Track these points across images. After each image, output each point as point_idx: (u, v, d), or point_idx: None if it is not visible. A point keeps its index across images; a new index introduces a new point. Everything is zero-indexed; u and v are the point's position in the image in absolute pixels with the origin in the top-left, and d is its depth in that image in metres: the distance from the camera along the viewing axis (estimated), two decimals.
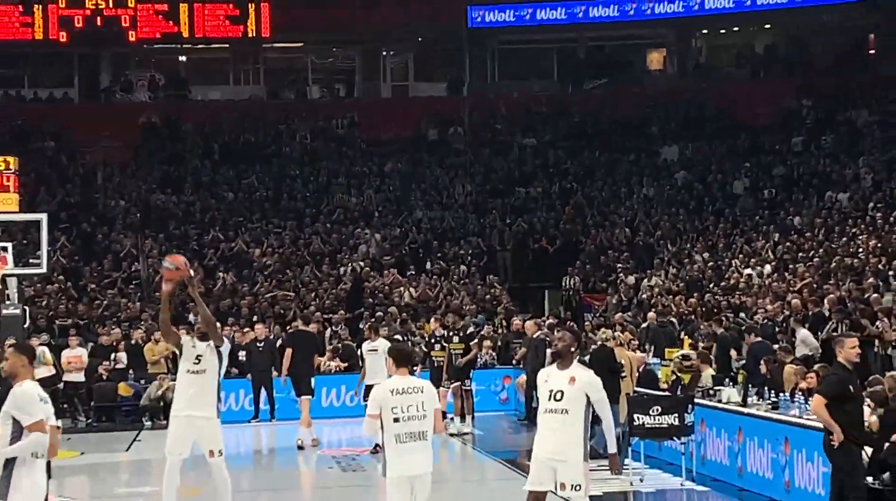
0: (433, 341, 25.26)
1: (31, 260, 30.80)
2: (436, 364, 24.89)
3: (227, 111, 47.64)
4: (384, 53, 51.27)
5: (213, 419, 13.87)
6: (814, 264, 31.50)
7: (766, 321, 27.36)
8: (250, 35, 47.37)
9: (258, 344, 28.32)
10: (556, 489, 11.53)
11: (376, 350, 22.51)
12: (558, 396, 11.55)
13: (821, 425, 13.16)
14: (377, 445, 14.66)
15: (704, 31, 51.05)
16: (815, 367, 18.35)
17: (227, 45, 49.10)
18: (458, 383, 24.83)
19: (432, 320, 27.17)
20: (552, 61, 51.34)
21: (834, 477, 13.17)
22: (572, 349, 11.85)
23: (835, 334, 21.59)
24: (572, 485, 11.41)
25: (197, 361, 13.94)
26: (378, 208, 42.35)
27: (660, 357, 25.48)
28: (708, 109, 47.43)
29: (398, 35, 50.02)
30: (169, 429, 14.37)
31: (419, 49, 51.24)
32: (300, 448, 22.89)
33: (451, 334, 24.98)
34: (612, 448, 11.78)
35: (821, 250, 32.61)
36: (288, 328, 30.11)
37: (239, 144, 46.15)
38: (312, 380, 24.14)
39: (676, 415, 17.26)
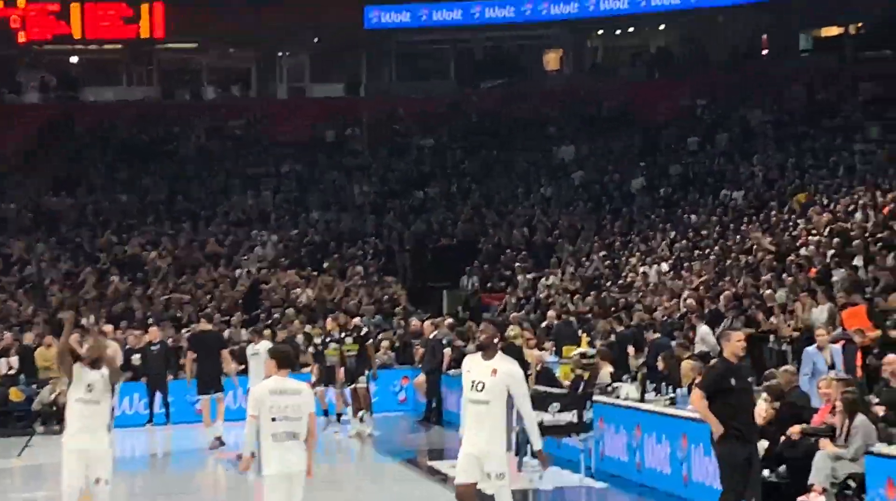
0: (328, 340, 25.14)
1: None
2: (328, 364, 24.83)
3: (122, 112, 47.04)
4: (280, 54, 50.92)
5: (106, 449, 13.54)
6: (710, 262, 31.67)
7: (665, 318, 27.48)
8: (143, 36, 46.83)
9: (152, 348, 27.95)
10: (482, 479, 11.48)
11: (258, 354, 22.57)
12: (479, 386, 11.59)
13: None
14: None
15: (600, 32, 51.29)
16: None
17: (120, 46, 48.45)
18: (353, 384, 24.68)
19: (329, 319, 26.94)
20: (449, 62, 51.31)
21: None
22: (495, 340, 11.87)
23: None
24: (496, 474, 11.44)
25: (89, 389, 13.55)
26: (275, 210, 42.03)
27: (559, 355, 25.47)
28: (604, 108, 47.62)
29: (294, 36, 49.69)
30: (63, 463, 13.95)
31: (316, 50, 50.94)
32: (222, 443, 22.79)
33: (344, 335, 24.85)
34: (538, 445, 11.78)
35: (716, 248, 32.81)
36: (185, 330, 29.81)
37: (133, 146, 45.57)
38: (222, 378, 24.03)
39: (575, 412, 17.21)
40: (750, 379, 14.98)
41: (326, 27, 48.72)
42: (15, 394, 28.43)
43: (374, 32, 49.10)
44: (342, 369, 24.66)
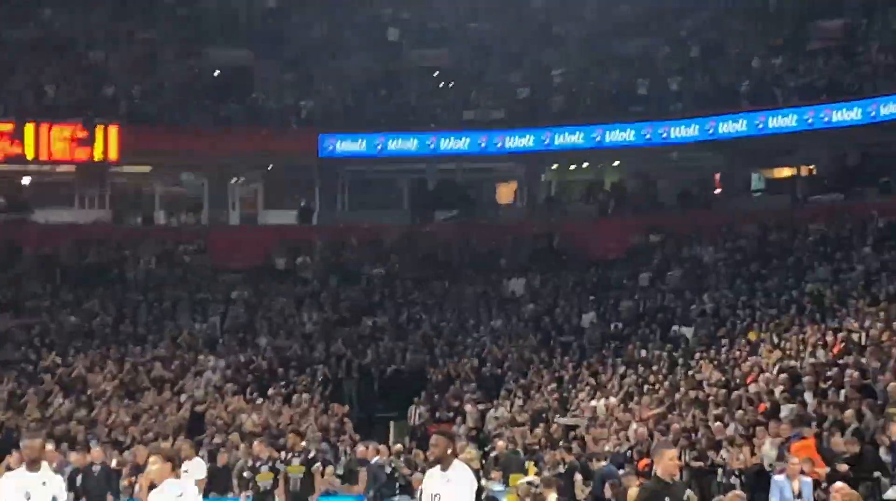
0: (259, 464, 24.85)
1: None
2: (260, 489, 24.48)
3: (71, 235, 46.67)
4: (233, 180, 50.85)
5: None
6: (659, 396, 31.53)
7: (615, 449, 27.27)
8: (97, 158, 46.66)
9: (93, 468, 27.44)
10: None
11: (187, 472, 22.41)
12: (437, 498, 11.63)
13: None
14: None
15: (554, 167, 51.53)
16: None
17: (73, 168, 48.26)
18: None
19: (255, 443, 26.65)
20: (403, 192, 51.38)
21: None
22: (448, 452, 11.84)
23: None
24: None
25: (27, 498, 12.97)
26: (223, 335, 41.67)
27: (506, 485, 25.19)
28: (556, 242, 47.67)
29: (248, 162, 49.71)
30: None
31: (269, 177, 50.93)
32: None
33: (290, 456, 24.53)
34: None
35: (666, 383, 32.68)
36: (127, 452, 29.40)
37: (81, 268, 45.19)
38: None
39: None
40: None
41: (280, 154, 48.74)
42: None
43: (328, 161, 49.12)
44: (285, 492, 24.26)
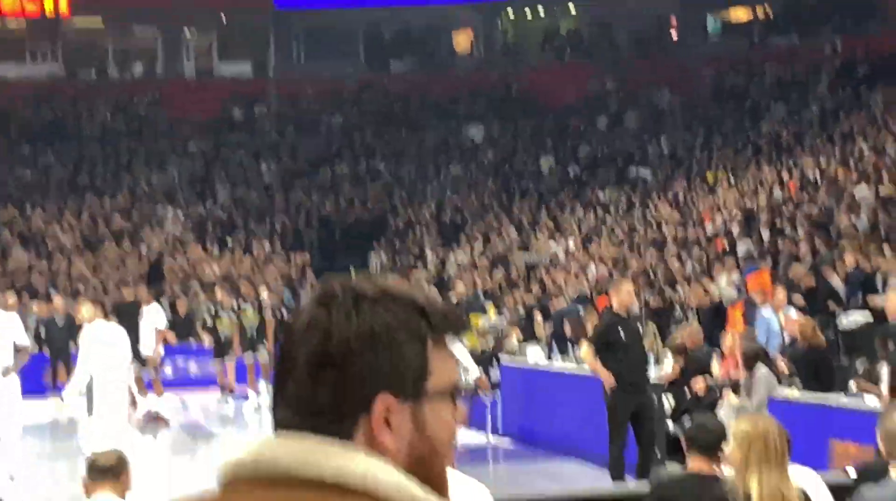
0: (219, 311, 25.02)
1: None
2: (221, 338, 24.71)
3: (24, 90, 46.21)
4: (187, 33, 50.34)
5: None
6: (618, 237, 31.80)
7: (576, 290, 27.51)
8: (48, 13, 46.06)
9: (56, 319, 27.63)
10: None
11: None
12: None
13: None
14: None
15: (510, 13, 51.22)
16: None
17: (24, 23, 47.66)
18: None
19: (217, 289, 26.86)
20: (358, 43, 51.00)
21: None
22: None
23: None
24: None
25: None
26: (181, 187, 41.61)
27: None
28: (514, 90, 47.59)
29: (201, 14, 49.18)
30: None
31: (223, 29, 50.45)
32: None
33: (244, 304, 24.67)
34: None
35: (624, 224, 32.95)
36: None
37: (36, 123, 44.87)
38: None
39: (481, 369, 17.13)
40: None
41: (234, 6, 48.24)
42: None
43: (282, 13, 48.67)
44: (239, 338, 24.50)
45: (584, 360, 13.16)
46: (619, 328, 12.80)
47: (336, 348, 2.09)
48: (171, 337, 25.69)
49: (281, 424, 2.12)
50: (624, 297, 12.85)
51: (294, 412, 2.11)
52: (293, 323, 2.16)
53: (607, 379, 12.48)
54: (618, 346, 12.67)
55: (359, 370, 2.09)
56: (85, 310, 16.18)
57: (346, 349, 2.09)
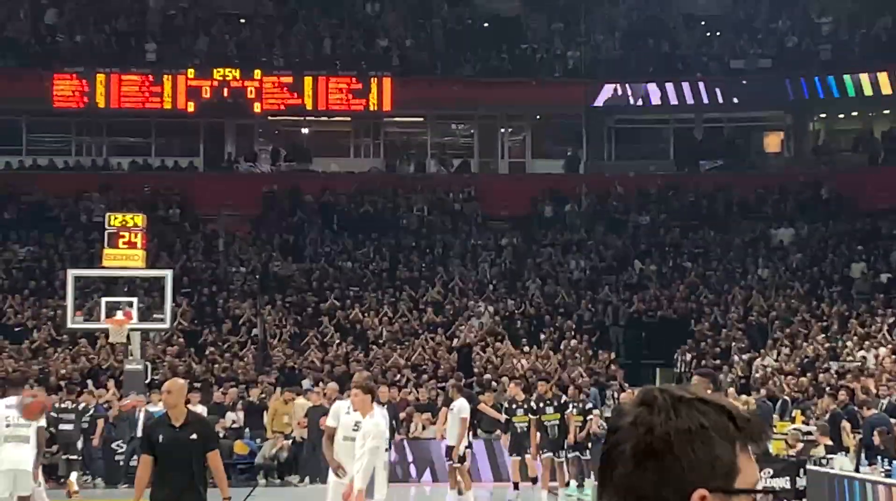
0: (514, 406, 25.30)
1: (155, 316, 31.58)
2: (518, 430, 24.98)
3: (347, 183, 48.36)
4: (502, 130, 51.87)
5: None
6: None
7: (885, 399, 27.27)
8: (372, 109, 48.15)
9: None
10: None
11: (452, 410, 23.34)
12: None
13: None
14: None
15: (822, 115, 51.03)
16: None
17: (349, 119, 49.99)
18: (551, 454, 24.75)
19: (511, 384, 27.37)
20: (669, 141, 51.55)
21: None
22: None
23: None
24: None
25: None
26: (492, 282, 42.72)
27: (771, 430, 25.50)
28: (824, 192, 47.31)
29: (516, 112, 50.62)
30: None
31: (537, 127, 51.76)
32: None
33: (543, 404, 24.88)
34: None
35: None
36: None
37: (357, 215, 46.84)
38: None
39: (788, 479, 17.35)
40: None
41: (548, 104, 49.44)
42: (240, 447, 29.55)
43: (595, 110, 49.64)
44: (538, 437, 24.67)
45: None
46: None
47: (658, 442, 2.43)
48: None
49: None
50: None
51: (621, 498, 2.46)
52: (617, 421, 2.51)
53: None
54: None
55: (678, 463, 2.42)
56: (357, 399, 15.53)
57: (667, 444, 2.42)
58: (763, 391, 30.43)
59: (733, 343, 37.62)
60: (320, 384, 32.37)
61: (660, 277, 43.20)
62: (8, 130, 49.10)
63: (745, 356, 36.44)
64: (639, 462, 2.45)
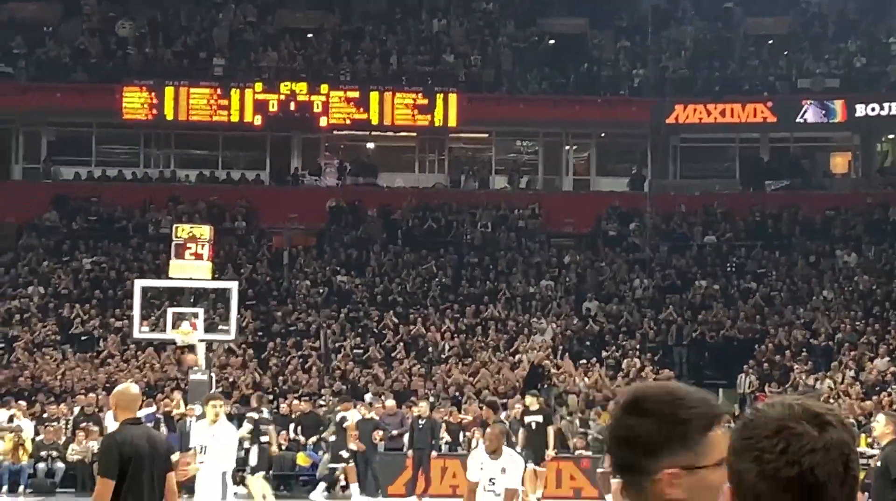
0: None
1: (220, 327, 31.83)
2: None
3: (411, 198, 48.51)
4: (566, 147, 51.89)
5: None
6: None
7: None
8: (437, 124, 48.31)
9: (420, 421, 28.84)
10: None
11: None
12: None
13: None
14: None
15: (890, 136, 50.70)
16: None
17: (414, 134, 50.18)
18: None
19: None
20: (734, 160, 51.39)
21: None
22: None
23: None
24: None
25: None
26: (556, 299, 42.73)
27: None
28: (891, 213, 46.99)
29: (581, 129, 50.62)
30: None
31: (601, 144, 51.75)
32: None
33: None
34: None
35: None
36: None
37: (421, 230, 46.99)
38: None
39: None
40: None
41: (613, 121, 49.45)
42: (302, 459, 29.72)
43: (660, 128, 49.53)
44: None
45: None
46: None
47: None
48: None
49: None
50: None
51: None
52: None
53: None
54: None
55: None
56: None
57: None
58: None
59: (796, 365, 37.43)
60: (381, 396, 32.63)
61: (724, 296, 43.04)
62: (78, 141, 49.72)
63: (809, 379, 36.23)
64: None
